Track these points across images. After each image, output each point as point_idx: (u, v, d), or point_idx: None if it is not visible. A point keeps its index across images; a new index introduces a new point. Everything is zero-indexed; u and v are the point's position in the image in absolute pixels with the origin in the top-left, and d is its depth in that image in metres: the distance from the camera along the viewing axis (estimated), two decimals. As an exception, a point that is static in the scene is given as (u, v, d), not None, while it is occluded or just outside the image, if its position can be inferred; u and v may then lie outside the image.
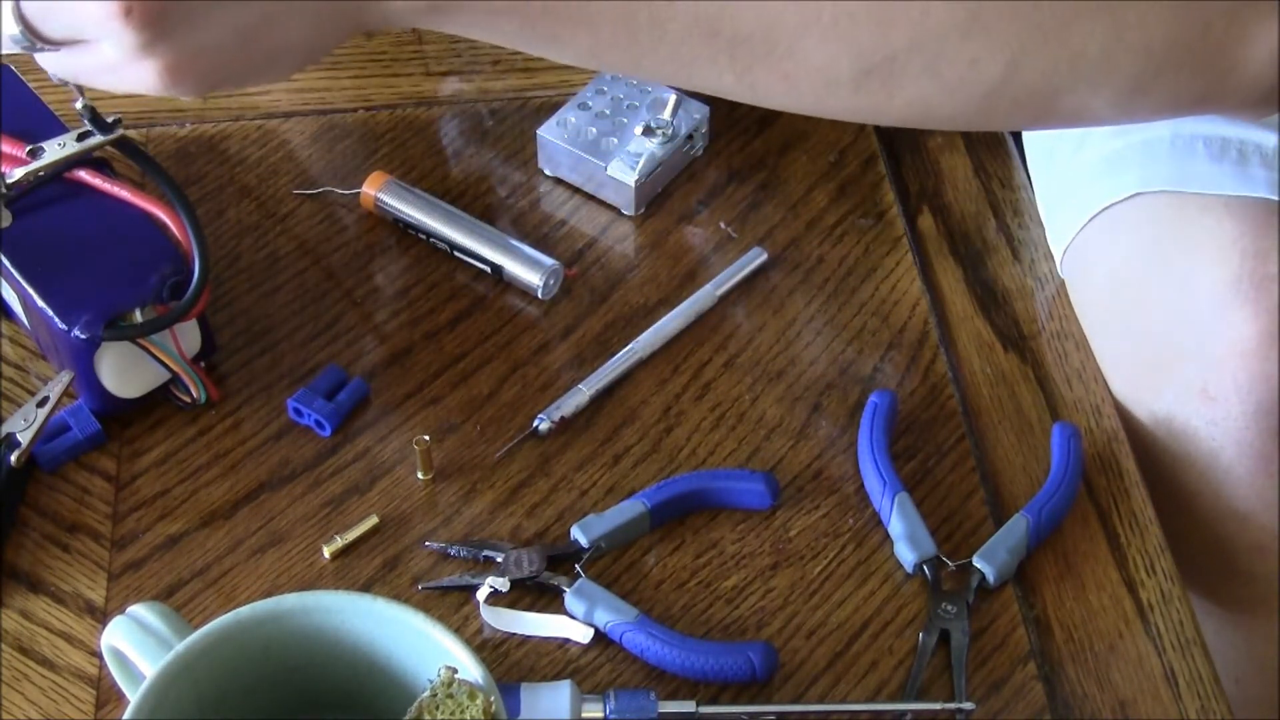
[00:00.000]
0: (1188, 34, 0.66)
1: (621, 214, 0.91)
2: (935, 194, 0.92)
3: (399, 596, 0.71)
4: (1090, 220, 0.84)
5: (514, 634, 0.73)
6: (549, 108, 0.94)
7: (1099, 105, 0.68)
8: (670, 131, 0.90)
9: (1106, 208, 0.83)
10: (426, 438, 0.77)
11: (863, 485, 0.78)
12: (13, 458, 0.76)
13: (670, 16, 0.66)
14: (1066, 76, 0.67)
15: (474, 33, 0.70)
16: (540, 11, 0.67)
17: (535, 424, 0.80)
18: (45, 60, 0.67)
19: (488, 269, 0.87)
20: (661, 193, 0.92)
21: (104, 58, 0.64)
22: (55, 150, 0.76)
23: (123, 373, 0.78)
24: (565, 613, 0.73)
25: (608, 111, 0.92)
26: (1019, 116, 0.70)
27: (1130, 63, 0.66)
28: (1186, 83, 0.68)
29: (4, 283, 0.81)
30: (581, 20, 0.67)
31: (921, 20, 0.65)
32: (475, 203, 0.91)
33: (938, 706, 0.70)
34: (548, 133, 0.91)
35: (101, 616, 0.74)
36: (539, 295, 0.86)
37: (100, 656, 0.68)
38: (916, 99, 0.68)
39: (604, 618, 0.72)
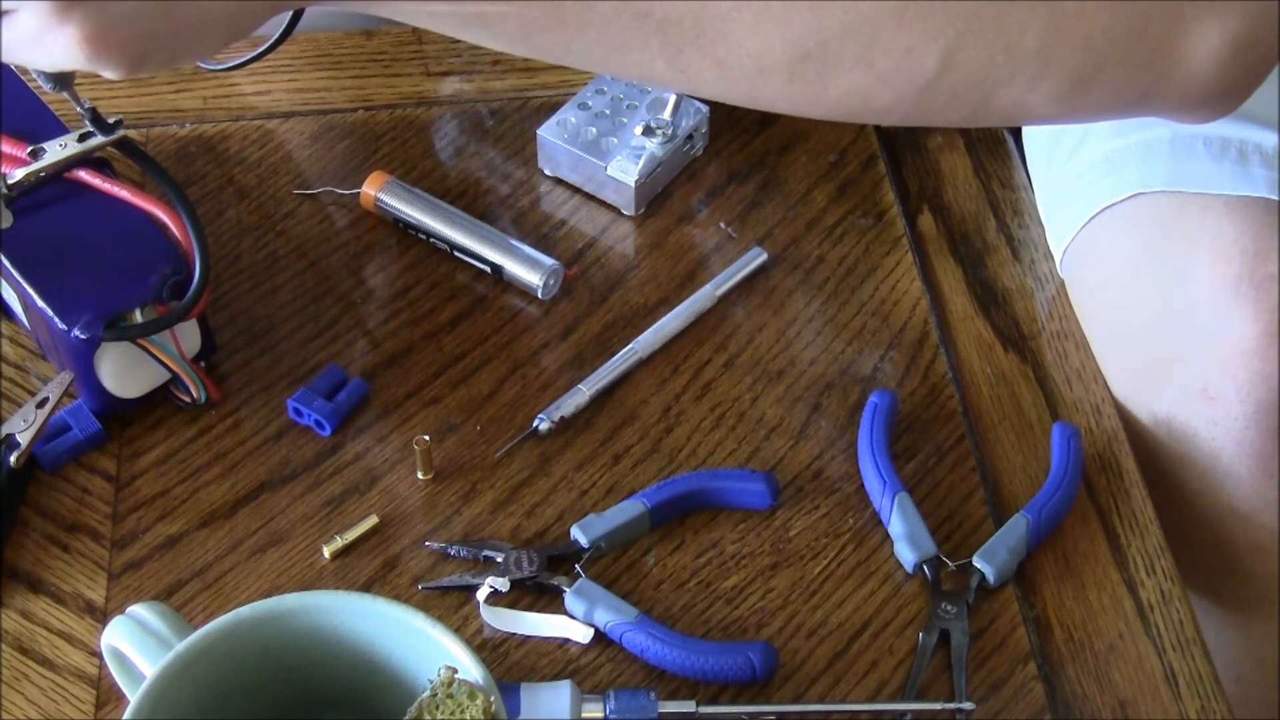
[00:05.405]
0: (1128, 29, 0.66)
1: (621, 214, 0.91)
2: (935, 194, 0.92)
3: (399, 596, 0.71)
4: (1090, 220, 0.84)
5: (514, 634, 0.73)
6: (549, 108, 0.94)
7: (1038, 101, 0.68)
8: (670, 131, 0.90)
9: (1106, 208, 0.83)
10: (426, 438, 0.77)
11: (863, 485, 0.78)
12: (12, 458, 0.76)
13: None
14: (1004, 68, 0.66)
15: (403, 14, 0.69)
16: None
17: (535, 424, 0.80)
18: None
19: (488, 269, 0.87)
20: (661, 193, 0.92)
21: (24, 29, 0.63)
22: (56, 151, 0.76)
23: (123, 373, 0.78)
24: (565, 613, 0.73)
25: (608, 111, 0.92)
26: (957, 110, 0.69)
27: (1069, 56, 0.66)
28: (1127, 80, 0.68)
29: (4, 283, 0.81)
30: None
31: (855, 4, 0.64)
32: (475, 203, 0.91)
33: (938, 706, 0.70)
34: (548, 133, 0.91)
35: (101, 616, 0.74)
36: (539, 295, 0.86)
37: (100, 656, 0.68)
38: (852, 89, 0.67)
39: (604, 618, 0.72)
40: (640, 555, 0.76)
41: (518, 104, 0.97)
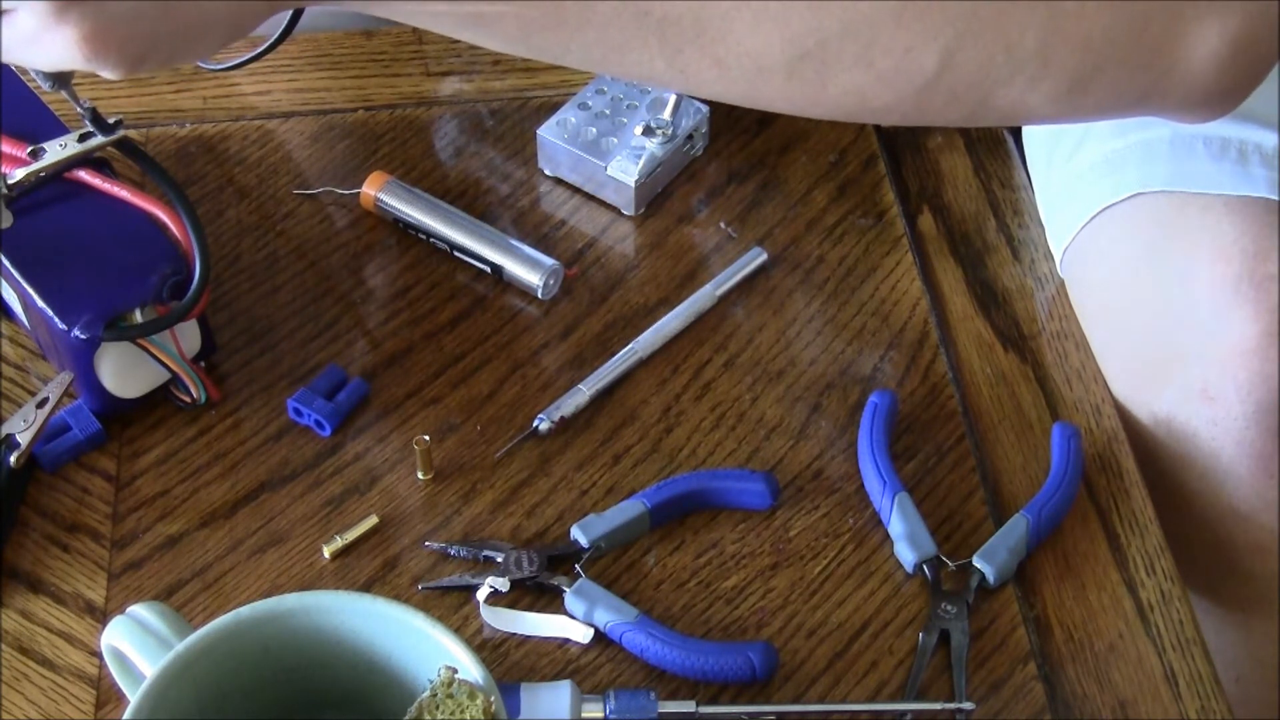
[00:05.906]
0: (1127, 29, 0.66)
1: (621, 214, 0.91)
2: (935, 194, 0.92)
3: (399, 596, 0.71)
4: (1090, 220, 0.84)
5: (514, 634, 0.73)
6: (549, 108, 0.94)
7: (1038, 101, 0.68)
8: (670, 131, 0.90)
9: (1106, 208, 0.83)
10: (426, 438, 0.77)
11: (863, 485, 0.78)
12: (12, 458, 0.76)
13: None
14: (1003, 69, 0.66)
15: (402, 14, 0.69)
16: None
17: (535, 424, 0.80)
18: None
19: (488, 269, 0.87)
20: (661, 193, 0.92)
21: (22, 28, 0.63)
22: (56, 151, 0.76)
23: (123, 373, 0.78)
24: (565, 613, 0.73)
25: (608, 111, 0.92)
26: (956, 110, 0.69)
27: (1068, 56, 0.66)
28: (1127, 80, 0.68)
29: (4, 283, 0.81)
30: None
31: (854, 3, 0.64)
32: (475, 203, 0.91)
33: (938, 706, 0.70)
34: (548, 133, 0.91)
35: (101, 616, 0.74)
36: (539, 295, 0.86)
37: (100, 656, 0.68)
38: (851, 88, 0.67)
39: (604, 618, 0.72)
40: (640, 555, 0.76)
41: (518, 104, 0.97)
